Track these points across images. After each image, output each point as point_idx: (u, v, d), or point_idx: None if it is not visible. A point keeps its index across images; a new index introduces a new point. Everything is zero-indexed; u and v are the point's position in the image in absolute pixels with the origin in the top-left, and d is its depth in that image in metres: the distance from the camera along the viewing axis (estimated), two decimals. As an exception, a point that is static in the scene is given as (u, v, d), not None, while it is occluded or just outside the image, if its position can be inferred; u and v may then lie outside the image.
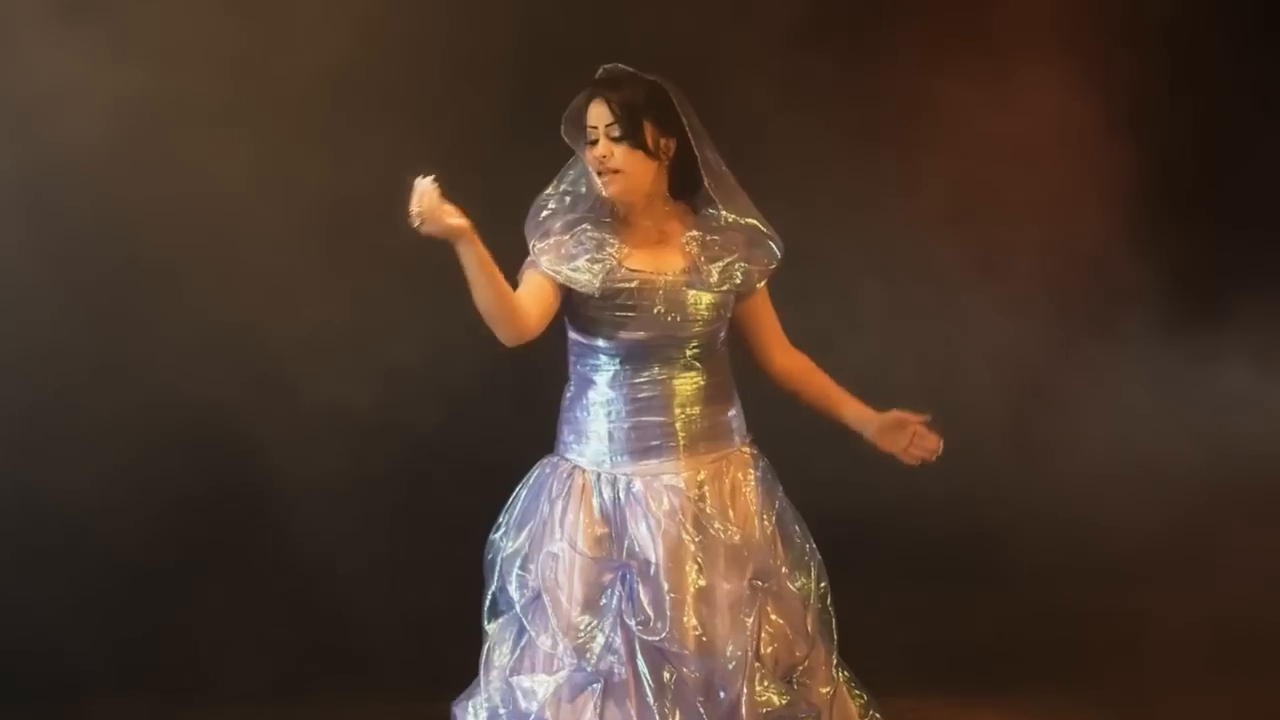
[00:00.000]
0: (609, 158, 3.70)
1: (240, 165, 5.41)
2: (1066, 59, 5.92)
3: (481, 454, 5.32)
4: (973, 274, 5.95)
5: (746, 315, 3.87)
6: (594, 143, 3.72)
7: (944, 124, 5.87)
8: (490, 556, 3.86)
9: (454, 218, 3.43)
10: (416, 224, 3.40)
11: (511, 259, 3.71)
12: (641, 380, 3.75)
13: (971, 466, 5.49)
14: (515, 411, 5.07)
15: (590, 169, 3.75)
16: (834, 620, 3.90)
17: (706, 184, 3.77)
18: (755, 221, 3.82)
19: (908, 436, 3.79)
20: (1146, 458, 5.93)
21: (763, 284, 3.85)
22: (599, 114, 3.73)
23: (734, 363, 3.90)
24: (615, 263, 3.71)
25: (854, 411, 3.86)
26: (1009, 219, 5.99)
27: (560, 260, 3.72)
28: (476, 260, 3.48)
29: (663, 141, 3.74)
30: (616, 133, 3.70)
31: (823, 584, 3.89)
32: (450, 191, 3.39)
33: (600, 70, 3.81)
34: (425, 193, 3.39)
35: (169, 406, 5.45)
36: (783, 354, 3.91)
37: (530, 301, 3.65)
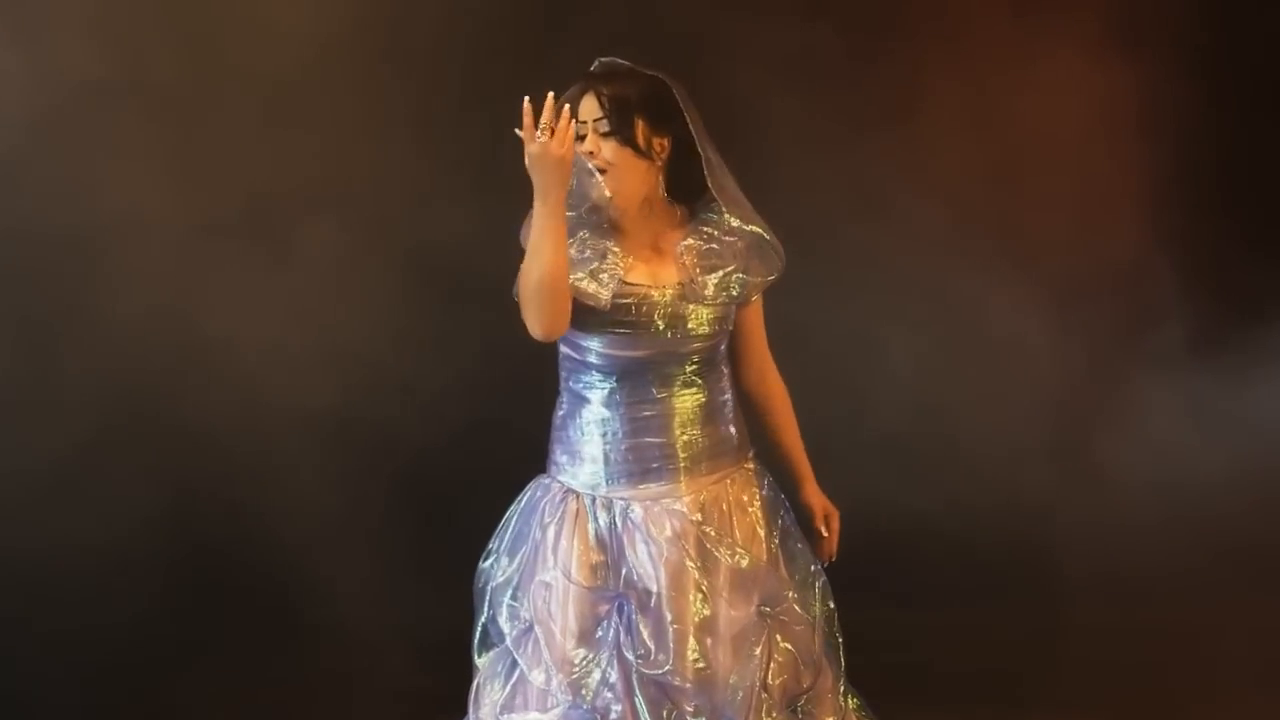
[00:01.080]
0: (595, 154, 3.50)
1: (168, 152, 5.28)
2: (1099, 54, 5.78)
3: (473, 461, 5.23)
4: (1002, 281, 5.79)
5: (733, 333, 3.66)
6: (582, 137, 3.52)
7: (967, 120, 5.75)
8: (480, 585, 3.68)
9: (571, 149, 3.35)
10: (544, 137, 3.31)
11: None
12: (639, 400, 3.56)
13: (1008, 479, 5.49)
14: (505, 412, 4.96)
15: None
16: (841, 644, 3.74)
17: (710, 186, 3.57)
18: (758, 229, 3.61)
19: (815, 536, 3.73)
20: (1184, 472, 5.81)
21: (757, 296, 3.65)
22: (588, 107, 3.52)
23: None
24: (620, 275, 3.52)
25: (794, 473, 3.75)
26: (1043, 226, 5.87)
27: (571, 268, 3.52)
28: (559, 222, 3.38)
29: (656, 140, 3.53)
30: (605, 128, 3.50)
31: (829, 604, 3.73)
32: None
33: (596, 63, 3.60)
34: (570, 124, 3.33)
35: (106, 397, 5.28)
36: (754, 375, 3.71)
37: None
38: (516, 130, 3.33)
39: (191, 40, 5.27)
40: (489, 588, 3.64)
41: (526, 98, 3.33)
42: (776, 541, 3.64)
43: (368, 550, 5.36)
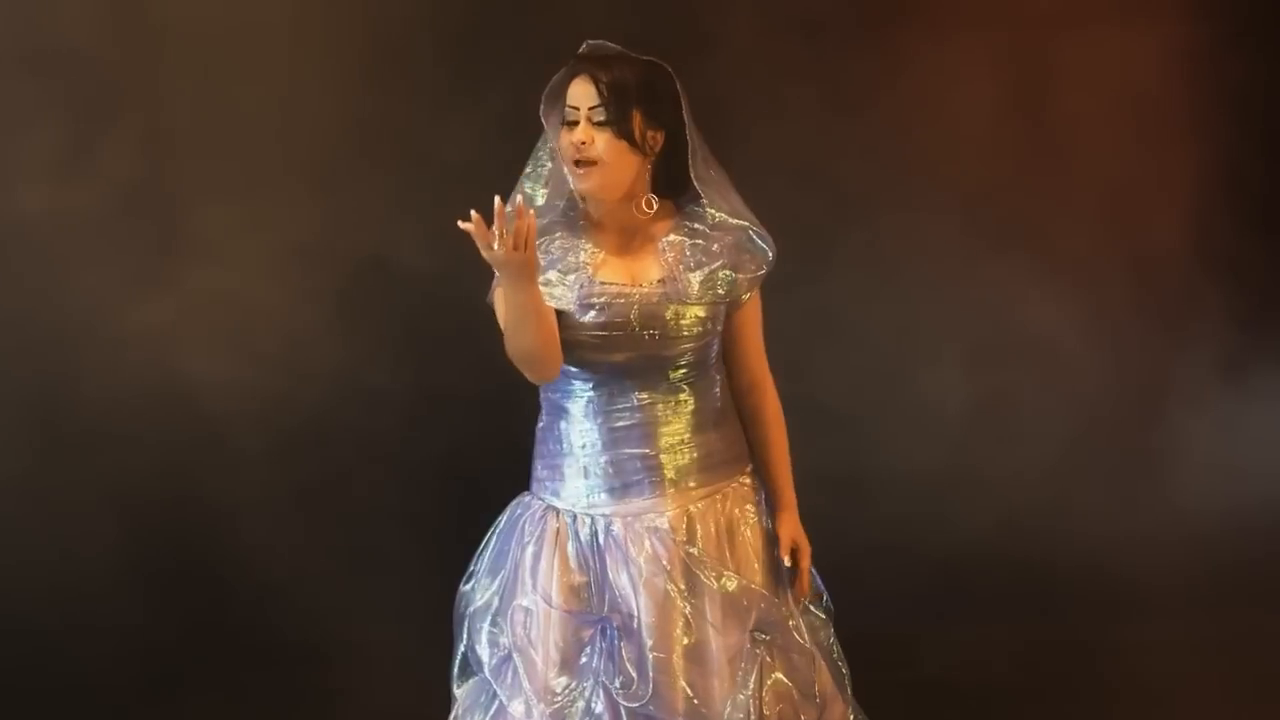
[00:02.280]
0: (588, 145, 3.24)
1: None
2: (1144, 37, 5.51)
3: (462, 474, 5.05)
4: (1034, 287, 5.59)
5: (726, 335, 3.42)
6: (572, 124, 3.26)
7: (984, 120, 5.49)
8: (459, 609, 3.47)
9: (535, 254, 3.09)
10: (496, 247, 3.00)
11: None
12: (619, 408, 3.31)
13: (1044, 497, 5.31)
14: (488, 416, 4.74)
15: (564, 157, 3.30)
16: (848, 675, 3.51)
17: (694, 180, 3.34)
18: (746, 223, 3.37)
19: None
20: (1235, 486, 5.65)
21: (750, 296, 3.40)
22: (583, 93, 3.26)
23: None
24: (589, 274, 3.28)
25: (773, 497, 3.46)
26: (1076, 233, 5.63)
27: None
28: (533, 300, 3.11)
29: (650, 134, 3.29)
30: (601, 117, 3.24)
31: (832, 637, 3.51)
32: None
33: (584, 45, 3.35)
34: (531, 222, 3.02)
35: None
36: (745, 383, 3.45)
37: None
38: (461, 224, 3.03)
39: (119, 13, 5.00)
40: (468, 612, 3.44)
41: (473, 211, 3.03)
42: (778, 563, 3.40)
43: (352, 567, 5.18)
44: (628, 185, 3.30)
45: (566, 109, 3.26)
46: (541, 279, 3.22)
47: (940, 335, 5.56)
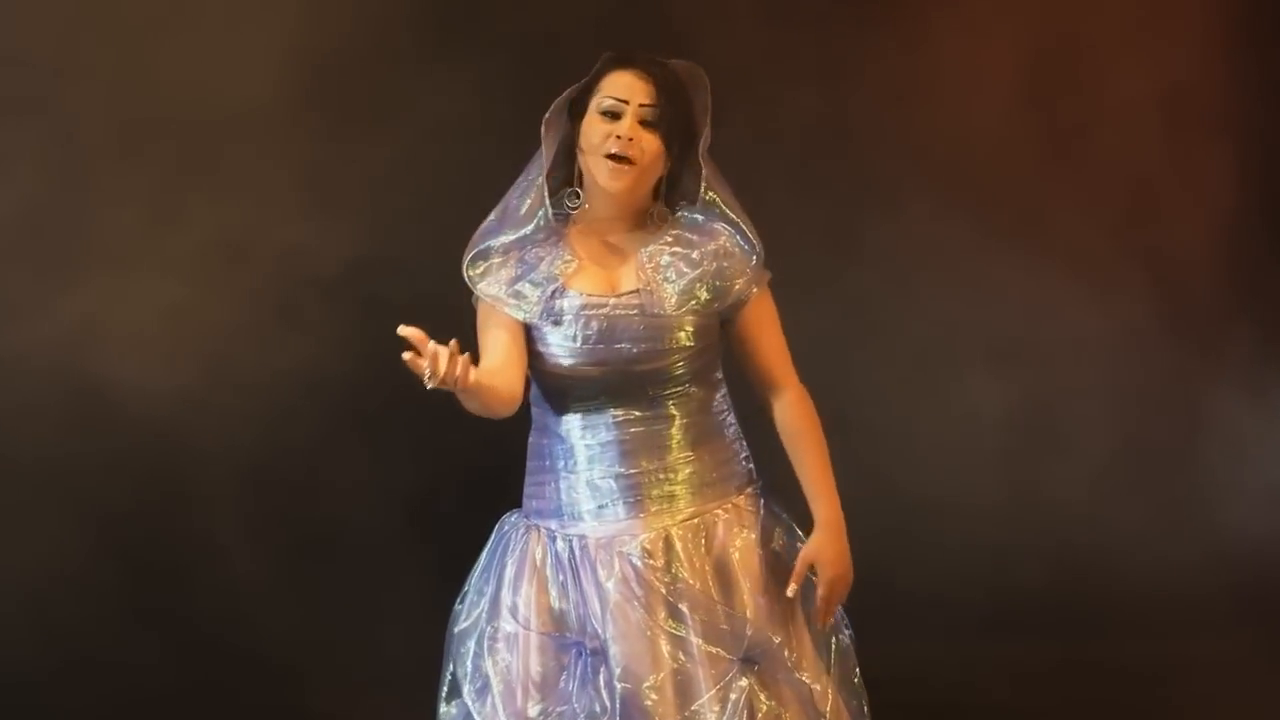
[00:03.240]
0: (635, 140, 3.10)
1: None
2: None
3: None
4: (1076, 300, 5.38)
5: (734, 338, 3.26)
6: (614, 116, 3.12)
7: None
8: (451, 628, 3.36)
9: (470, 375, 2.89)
10: (430, 384, 2.84)
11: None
12: (596, 424, 3.18)
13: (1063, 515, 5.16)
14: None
15: (593, 150, 3.13)
16: (867, 705, 3.33)
17: (703, 190, 3.20)
18: (736, 227, 3.22)
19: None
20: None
21: (754, 299, 3.22)
22: (636, 87, 3.13)
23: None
24: (560, 285, 3.15)
25: (815, 512, 3.22)
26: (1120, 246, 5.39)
27: (500, 285, 3.19)
28: (475, 389, 2.94)
29: (674, 146, 3.17)
30: (652, 117, 3.12)
31: (853, 669, 3.31)
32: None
33: (618, 52, 3.21)
34: (464, 363, 2.86)
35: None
36: (766, 390, 3.29)
37: (508, 367, 3.11)
38: (405, 357, 2.86)
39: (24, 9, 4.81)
40: (456, 632, 3.33)
41: (402, 331, 2.86)
42: (782, 589, 3.21)
43: (346, 585, 5.01)
44: (648, 192, 3.20)
45: (607, 99, 3.13)
46: (510, 290, 3.14)
47: (965, 342, 5.37)
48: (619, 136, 3.10)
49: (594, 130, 3.14)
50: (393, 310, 3.05)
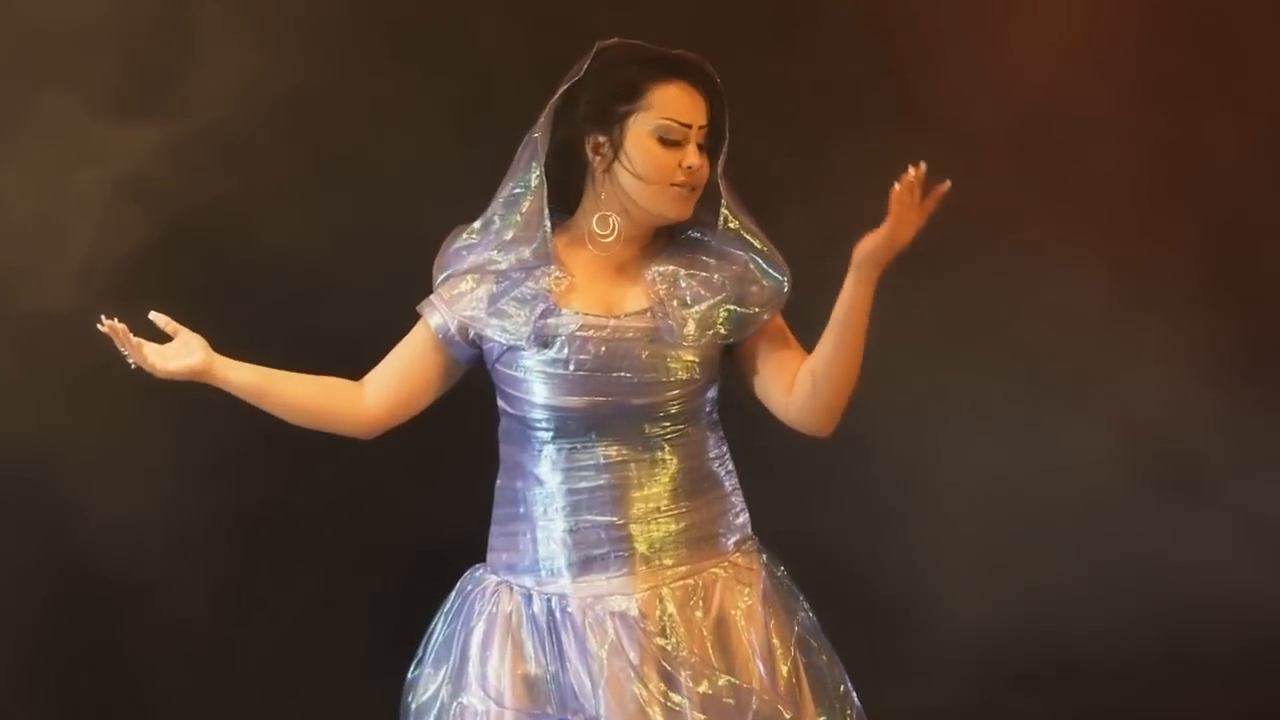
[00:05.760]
0: (701, 169, 2.82)
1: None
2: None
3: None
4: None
5: (749, 358, 2.92)
6: (673, 144, 2.81)
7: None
8: (406, 700, 3.01)
9: (184, 358, 2.83)
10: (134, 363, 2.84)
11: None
12: (583, 465, 2.85)
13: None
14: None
15: (656, 179, 2.82)
16: None
17: (724, 219, 2.89)
18: (755, 246, 2.90)
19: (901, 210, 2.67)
20: None
21: (771, 317, 2.91)
22: (697, 109, 2.82)
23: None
24: (551, 302, 2.83)
25: (846, 290, 2.75)
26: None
27: (478, 304, 2.87)
28: (246, 389, 2.89)
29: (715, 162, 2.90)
30: (704, 139, 2.83)
31: None
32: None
33: (653, 54, 2.86)
34: (136, 346, 2.81)
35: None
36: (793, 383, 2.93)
37: (380, 383, 2.94)
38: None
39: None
40: (413, 706, 2.97)
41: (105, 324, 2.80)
42: (789, 657, 2.91)
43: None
44: None
45: (666, 122, 2.80)
46: (492, 309, 2.83)
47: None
48: (690, 167, 2.81)
49: (653, 157, 2.81)
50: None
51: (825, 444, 2.97)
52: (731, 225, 2.89)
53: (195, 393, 2.96)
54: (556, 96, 2.86)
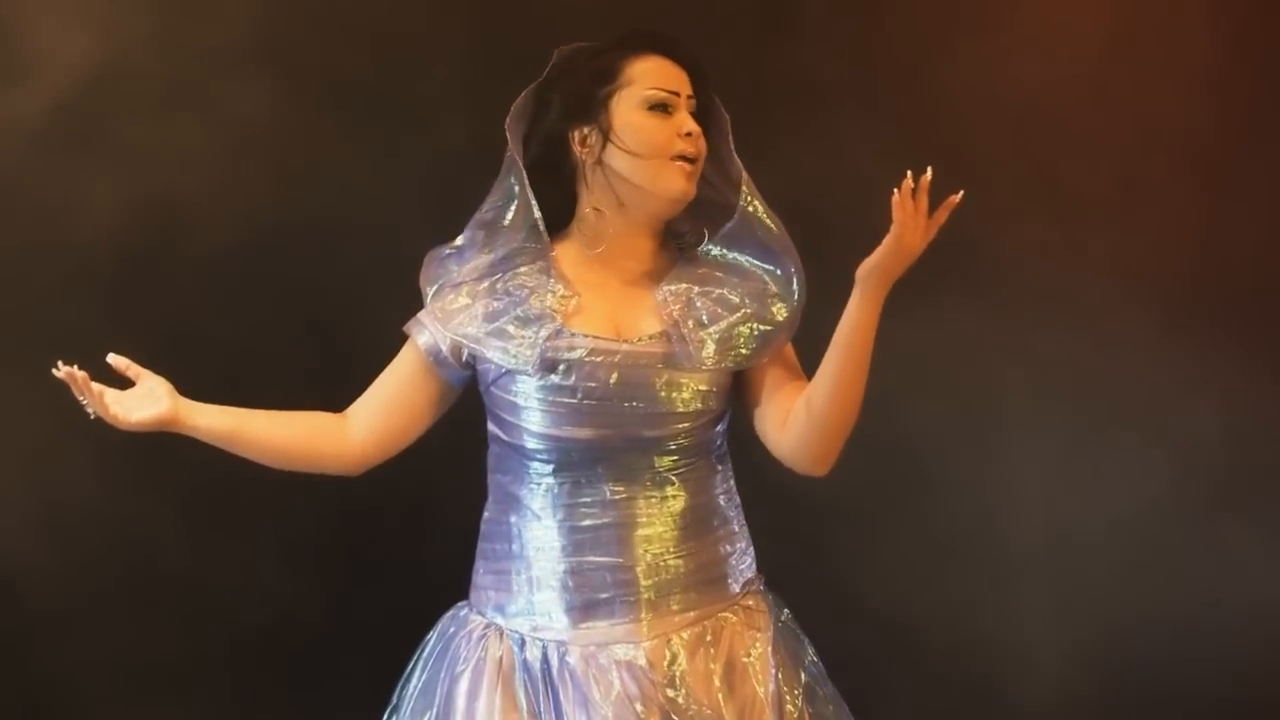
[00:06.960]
0: (699, 135, 2.69)
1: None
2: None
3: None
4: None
5: (756, 387, 2.75)
6: (665, 109, 2.67)
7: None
8: None
9: (149, 408, 2.65)
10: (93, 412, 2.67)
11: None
12: (587, 502, 2.68)
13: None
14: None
15: (656, 152, 2.67)
16: None
17: (745, 197, 2.73)
18: (774, 228, 2.74)
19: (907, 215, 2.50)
20: None
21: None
22: (677, 77, 2.69)
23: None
24: (557, 324, 2.66)
25: (849, 310, 2.58)
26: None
27: (475, 323, 2.69)
28: (218, 435, 2.73)
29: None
30: (695, 110, 2.71)
31: None
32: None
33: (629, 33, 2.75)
34: (99, 396, 2.63)
35: None
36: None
37: (365, 415, 2.78)
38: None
39: None
40: None
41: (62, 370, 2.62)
42: (797, 704, 2.75)
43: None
44: None
45: (653, 91, 2.68)
46: (492, 329, 2.66)
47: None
48: (689, 133, 2.67)
49: (647, 130, 2.68)
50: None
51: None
52: (752, 207, 2.73)
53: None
54: (520, 101, 2.74)
